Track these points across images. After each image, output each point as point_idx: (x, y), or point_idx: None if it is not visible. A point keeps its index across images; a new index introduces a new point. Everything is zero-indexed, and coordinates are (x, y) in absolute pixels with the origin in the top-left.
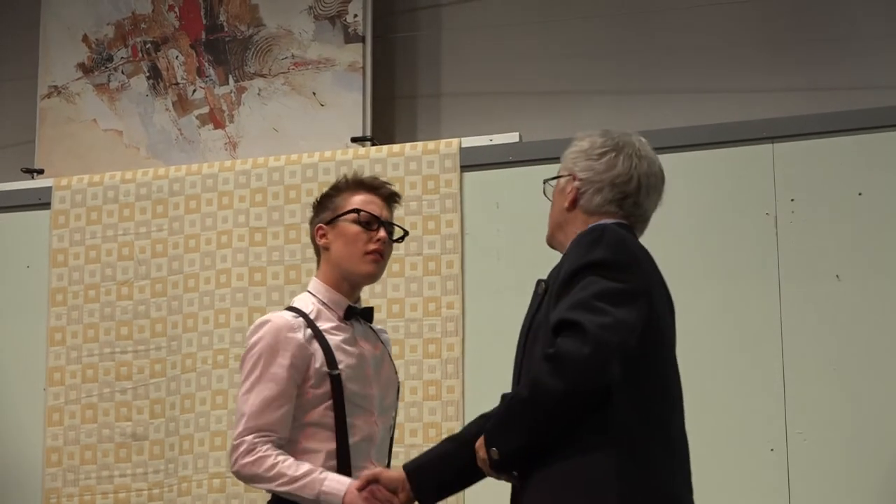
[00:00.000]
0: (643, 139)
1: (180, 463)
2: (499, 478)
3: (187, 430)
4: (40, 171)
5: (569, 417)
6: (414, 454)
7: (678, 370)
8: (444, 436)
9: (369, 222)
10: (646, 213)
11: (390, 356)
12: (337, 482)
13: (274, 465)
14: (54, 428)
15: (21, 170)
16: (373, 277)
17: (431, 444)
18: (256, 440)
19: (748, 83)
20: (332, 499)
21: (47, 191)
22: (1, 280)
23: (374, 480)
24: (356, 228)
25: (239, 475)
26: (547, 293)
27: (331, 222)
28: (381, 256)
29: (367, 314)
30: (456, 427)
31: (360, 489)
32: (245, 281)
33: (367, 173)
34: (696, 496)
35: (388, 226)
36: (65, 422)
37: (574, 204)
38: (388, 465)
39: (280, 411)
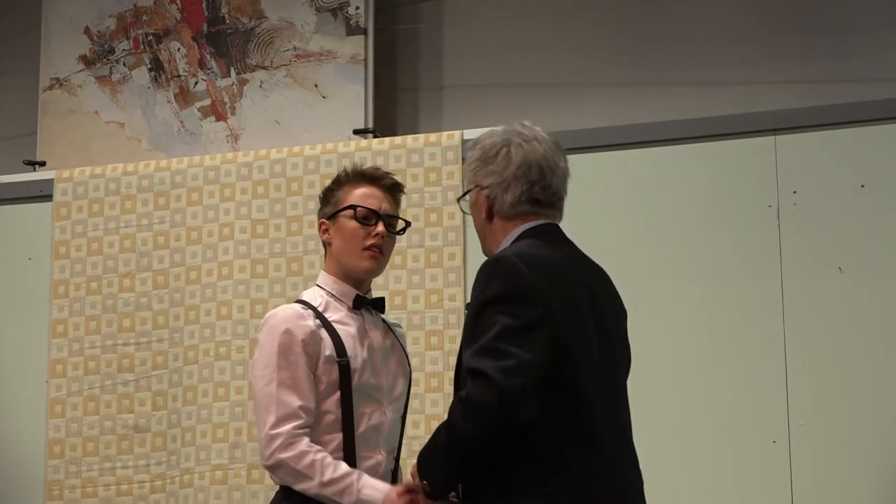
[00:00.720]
0: (526, 123)
1: (182, 455)
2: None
3: (189, 423)
4: (42, 164)
5: (488, 456)
6: (416, 446)
7: (612, 373)
8: None
9: (367, 217)
10: (558, 193)
11: (403, 348)
12: (373, 489)
13: (312, 464)
14: (56, 420)
15: (23, 162)
16: (371, 273)
17: None
18: (295, 432)
19: (751, 75)
20: None
21: (49, 183)
22: (3, 272)
23: (413, 492)
24: (353, 224)
25: (275, 469)
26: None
27: (331, 217)
28: (379, 251)
29: (377, 304)
30: None
31: (400, 495)
32: (247, 273)
33: (368, 165)
34: (700, 488)
35: (388, 219)
36: (67, 414)
37: (490, 213)
38: (399, 454)
39: (307, 397)
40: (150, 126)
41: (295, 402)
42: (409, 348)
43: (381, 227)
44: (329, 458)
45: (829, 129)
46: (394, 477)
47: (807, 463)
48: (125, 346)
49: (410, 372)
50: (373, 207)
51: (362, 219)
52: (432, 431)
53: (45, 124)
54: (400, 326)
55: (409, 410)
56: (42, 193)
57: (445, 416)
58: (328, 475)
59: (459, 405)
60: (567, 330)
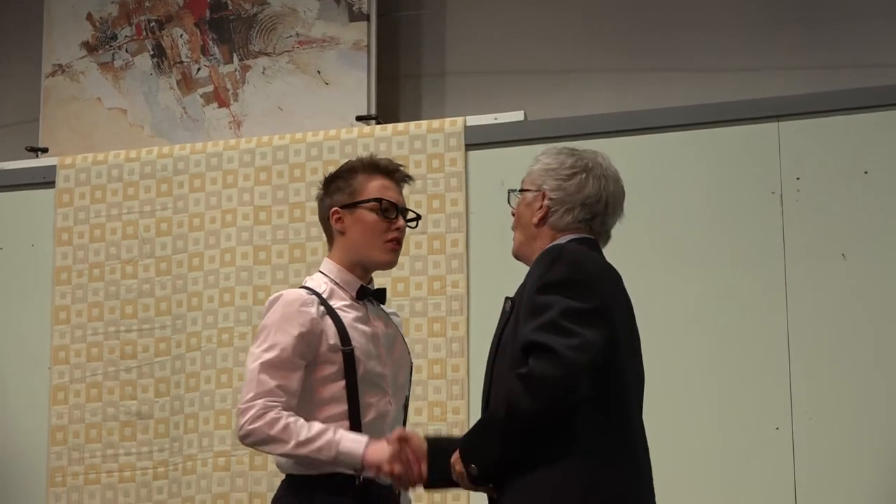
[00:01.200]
0: (606, 155)
1: (185, 441)
2: (476, 490)
3: (192, 409)
4: (45, 150)
5: (541, 433)
6: (419, 433)
7: (640, 374)
8: (449, 414)
9: (388, 210)
10: (609, 230)
11: (403, 337)
12: (353, 441)
13: (286, 427)
14: (59, 407)
15: (25, 148)
16: (391, 265)
17: (436, 423)
18: (268, 403)
19: (753, 62)
20: (351, 458)
21: (52, 169)
22: (5, 259)
23: (403, 440)
24: (376, 217)
25: (247, 439)
26: (513, 311)
27: (347, 207)
28: (398, 244)
29: (379, 295)
30: (461, 406)
31: (391, 442)
32: (249, 259)
33: (371, 152)
34: (702, 475)
35: (405, 212)
36: (70, 400)
37: (543, 221)
38: None
39: (288, 379)
40: (153, 112)
41: (272, 381)
42: (412, 335)
43: (402, 222)
44: (302, 420)
45: (832, 116)
46: None
47: (809, 450)
48: (128, 332)
49: (411, 361)
50: (393, 201)
51: (384, 212)
52: (434, 418)
53: (48, 111)
54: (397, 315)
55: (412, 397)
56: (45, 180)
57: (448, 403)
58: (303, 435)
59: (521, 381)
60: (619, 324)
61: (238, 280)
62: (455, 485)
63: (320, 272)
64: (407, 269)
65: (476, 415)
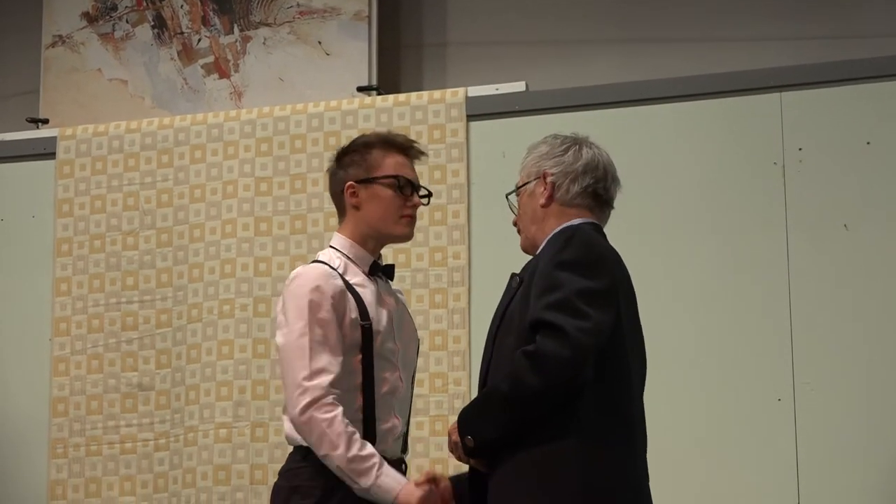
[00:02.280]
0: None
1: (186, 413)
2: (468, 462)
3: (193, 381)
4: (45, 121)
5: (542, 412)
6: (420, 404)
7: (643, 354)
8: (451, 386)
9: (405, 187)
10: (612, 199)
11: (410, 315)
12: (393, 479)
13: (342, 433)
14: (60, 378)
15: (26, 119)
16: (408, 237)
17: (437, 395)
18: (331, 389)
19: (756, 31)
20: (385, 494)
21: (52, 140)
22: (6, 230)
23: (433, 481)
24: (392, 193)
25: (305, 425)
26: (520, 287)
27: (363, 182)
28: (413, 219)
29: (388, 271)
30: (462, 377)
31: (419, 484)
32: (251, 231)
33: (373, 123)
34: (705, 445)
35: (419, 189)
36: (71, 372)
37: (551, 199)
38: (409, 419)
39: (337, 355)
40: (154, 83)
41: (326, 358)
42: (414, 307)
43: (417, 198)
44: (358, 435)
45: (834, 86)
46: (405, 441)
47: (812, 421)
48: (129, 304)
49: (418, 338)
50: (410, 178)
51: (401, 189)
52: (435, 389)
53: (48, 82)
54: (400, 291)
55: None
56: (45, 151)
57: (449, 374)
58: (354, 450)
59: (528, 359)
60: (625, 308)
61: (239, 251)
62: None
63: (332, 247)
64: (408, 241)
65: (477, 386)
